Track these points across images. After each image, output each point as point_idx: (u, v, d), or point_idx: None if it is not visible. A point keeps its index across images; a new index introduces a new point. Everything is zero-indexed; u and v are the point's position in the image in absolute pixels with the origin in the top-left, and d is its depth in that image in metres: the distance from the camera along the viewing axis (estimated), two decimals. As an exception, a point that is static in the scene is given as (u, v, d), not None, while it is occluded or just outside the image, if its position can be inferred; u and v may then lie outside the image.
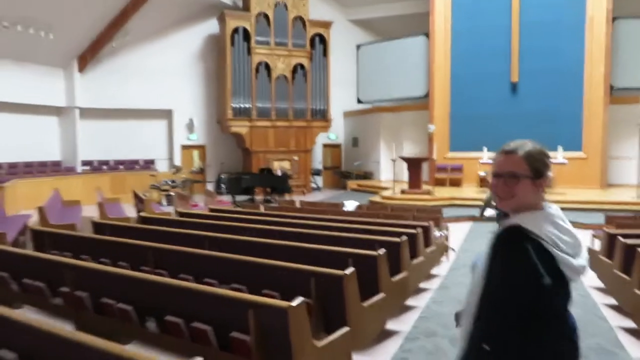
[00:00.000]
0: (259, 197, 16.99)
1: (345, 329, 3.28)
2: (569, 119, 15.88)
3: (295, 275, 3.83)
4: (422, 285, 6.33)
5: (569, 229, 1.68)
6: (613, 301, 5.62)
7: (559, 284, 1.61)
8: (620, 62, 15.78)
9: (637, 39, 15.76)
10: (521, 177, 1.73)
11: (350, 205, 9.38)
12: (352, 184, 19.49)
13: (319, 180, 21.46)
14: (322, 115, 19.86)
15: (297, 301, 2.82)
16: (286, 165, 19.23)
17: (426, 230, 6.51)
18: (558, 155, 14.48)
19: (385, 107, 19.75)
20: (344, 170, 21.46)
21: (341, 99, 20.81)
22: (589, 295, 6.01)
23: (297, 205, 10.25)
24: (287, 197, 16.94)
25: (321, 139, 21.38)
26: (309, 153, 19.92)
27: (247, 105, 18.59)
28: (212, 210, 9.05)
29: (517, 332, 1.58)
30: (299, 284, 3.77)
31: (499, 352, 1.59)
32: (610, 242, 5.81)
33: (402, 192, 14.53)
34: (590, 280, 6.56)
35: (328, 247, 4.71)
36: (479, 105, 16.87)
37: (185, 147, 19.68)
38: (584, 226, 10.86)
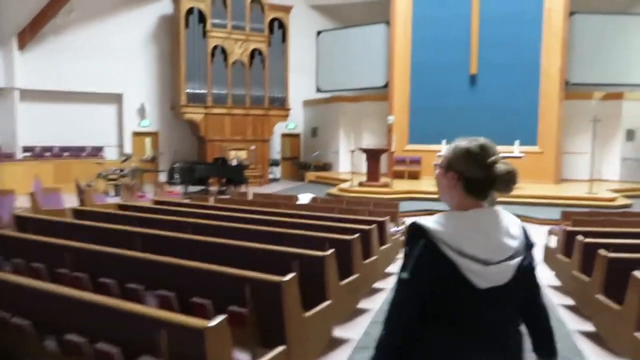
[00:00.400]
0: (213, 188, 16.36)
1: (281, 348, 2.89)
2: (526, 112, 15.95)
3: (230, 281, 3.38)
4: (376, 285, 5.99)
5: (489, 234, 1.59)
6: (571, 301, 5.44)
7: (452, 288, 1.58)
8: (576, 58, 15.94)
9: (593, 35, 15.96)
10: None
11: (304, 198, 8.97)
12: (310, 175, 19.09)
13: (277, 171, 20.95)
14: (281, 104, 19.32)
15: (217, 320, 2.44)
16: (243, 155, 18.60)
17: (381, 226, 6.17)
18: (514, 150, 14.50)
19: (346, 97, 19.39)
20: (303, 161, 21.02)
21: (301, 87, 20.31)
22: (545, 296, 5.81)
23: (250, 197, 9.76)
24: (243, 188, 16.38)
25: (280, 128, 20.84)
26: (266, 143, 19.36)
27: (202, 91, 17.84)
28: (156, 202, 8.45)
29: (386, 326, 1.64)
30: (233, 292, 3.32)
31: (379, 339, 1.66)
32: (568, 239, 5.63)
33: (360, 184, 14.24)
34: (547, 278, 6.41)
35: (272, 247, 4.28)
36: (439, 97, 16.74)
37: (136, 134, 18.74)
38: (539, 222, 10.85)
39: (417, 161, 16.96)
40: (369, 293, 5.59)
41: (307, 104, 21.25)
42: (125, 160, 15.79)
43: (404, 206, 12.09)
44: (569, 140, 16.53)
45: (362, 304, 5.16)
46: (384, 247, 6.00)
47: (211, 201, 9.05)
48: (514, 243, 1.61)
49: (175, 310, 3.26)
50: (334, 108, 19.70)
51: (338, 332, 4.42)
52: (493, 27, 16.09)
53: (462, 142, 1.67)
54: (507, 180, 1.60)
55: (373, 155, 14.00)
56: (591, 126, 16.39)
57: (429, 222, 1.62)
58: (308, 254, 4.06)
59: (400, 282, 1.63)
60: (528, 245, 1.69)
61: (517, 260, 1.60)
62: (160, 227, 5.61)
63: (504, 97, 16.07)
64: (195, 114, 17.87)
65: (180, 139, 19.35)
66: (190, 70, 17.50)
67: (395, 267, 6.85)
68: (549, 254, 6.29)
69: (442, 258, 1.56)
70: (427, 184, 15.09)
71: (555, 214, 11.25)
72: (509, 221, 1.66)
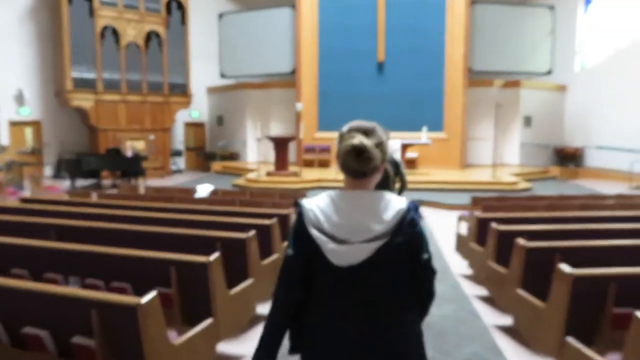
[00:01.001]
0: (107, 182, 14.83)
1: (209, 320, 3.06)
2: (432, 99, 16.06)
3: (154, 264, 3.32)
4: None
5: (352, 215, 1.64)
6: (485, 292, 5.12)
7: (317, 264, 1.67)
8: (478, 46, 16.29)
9: (493, 24, 16.39)
10: None
11: (203, 190, 8.08)
12: (216, 165, 18.02)
13: (181, 162, 19.61)
14: (182, 91, 17.99)
15: (148, 297, 2.42)
16: (141, 145, 17.12)
17: (284, 220, 5.49)
18: (422, 136, 14.50)
19: (252, 84, 18.49)
20: (209, 151, 19.85)
21: (204, 73, 19.08)
22: (459, 286, 5.48)
23: (142, 191, 8.68)
24: (140, 181, 15.00)
25: (182, 116, 19.49)
26: (167, 132, 17.97)
27: (91, 76, 16.09)
28: (24, 200, 7.16)
29: (274, 296, 1.77)
30: (157, 274, 3.28)
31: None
32: (481, 227, 5.30)
33: (268, 174, 13.51)
34: (459, 267, 6.11)
35: (145, 254, 3.44)
36: (348, 84, 16.40)
37: (14, 124, 16.54)
38: (448, 207, 10.77)
39: (326, 149, 16.53)
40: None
41: (212, 91, 20.06)
42: (-2, 153, 13.79)
43: (312, 194, 11.58)
44: (473, 127, 16.92)
45: (260, 310, 4.45)
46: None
47: (94, 197, 7.87)
48: (379, 227, 1.63)
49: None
50: (240, 95, 18.72)
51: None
52: (399, 14, 15.96)
53: (345, 126, 1.73)
54: (348, 153, 1.64)
55: (280, 144, 13.31)
56: (493, 113, 16.92)
57: (308, 200, 1.73)
58: (188, 260, 3.29)
59: (284, 257, 1.75)
60: (403, 232, 1.65)
61: (378, 243, 1.62)
62: (11, 231, 4.53)
63: (411, 84, 16.05)
64: (84, 100, 16.10)
65: (69, 128, 17.40)
66: (76, 53, 15.68)
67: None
68: (460, 242, 5.98)
69: (307, 234, 1.66)
70: (338, 172, 14.67)
71: (463, 199, 11.27)
72: (386, 206, 1.66)
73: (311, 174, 14.00)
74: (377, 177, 1.71)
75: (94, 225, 4.71)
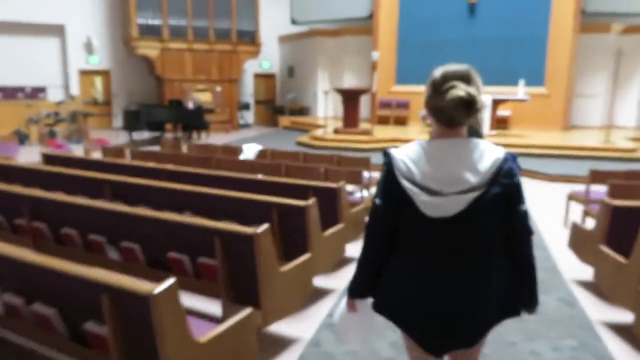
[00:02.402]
0: (170, 135, 14.18)
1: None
2: (533, 47, 13.62)
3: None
4: (324, 284, 4.07)
5: (446, 166, 1.57)
6: (627, 340, 3.49)
7: (407, 214, 1.62)
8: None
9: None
10: None
11: (249, 150, 6.88)
12: (284, 120, 16.87)
13: (249, 116, 18.70)
14: (251, 39, 16.79)
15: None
16: (207, 97, 16.30)
17: (329, 198, 4.15)
18: (519, 91, 12.32)
19: (325, 31, 16.86)
20: (279, 105, 18.72)
21: (275, 20, 17.72)
22: (576, 304, 3.87)
23: (185, 149, 7.64)
24: (204, 134, 14.22)
25: (252, 67, 18.42)
26: (234, 83, 16.97)
27: (157, 22, 15.28)
28: (46, 158, 6.34)
29: (364, 244, 1.78)
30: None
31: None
32: (618, 222, 3.63)
33: (336, 131, 12.11)
34: (571, 268, 4.45)
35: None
36: (432, 30, 14.33)
37: (84, 73, 16.27)
38: (549, 178, 8.86)
39: (404, 105, 14.76)
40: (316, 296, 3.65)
41: (283, 39, 18.70)
42: (59, 104, 13.46)
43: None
44: (580, 81, 14.32)
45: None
46: (332, 229, 4.00)
47: (127, 155, 6.94)
48: (474, 178, 1.56)
49: (140, 263, 3.23)
50: (311, 44, 17.20)
51: None
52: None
53: (437, 71, 1.63)
54: (456, 106, 1.54)
55: (350, 97, 11.78)
56: (607, 64, 14.22)
57: (398, 149, 1.66)
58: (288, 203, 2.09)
59: (372, 206, 1.72)
60: (500, 182, 1.57)
61: (473, 194, 1.55)
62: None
63: (508, 28, 13.68)
64: (150, 48, 15.38)
65: (137, 78, 16.92)
66: (141, -3, 14.87)
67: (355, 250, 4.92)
68: (578, 237, 4.30)
69: (397, 184, 1.61)
70: (415, 130, 12.99)
71: (567, 168, 9.28)
72: (482, 155, 1.58)
73: (385, 132, 12.42)
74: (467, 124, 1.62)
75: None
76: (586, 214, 5.22)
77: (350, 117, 11.80)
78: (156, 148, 8.90)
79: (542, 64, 13.63)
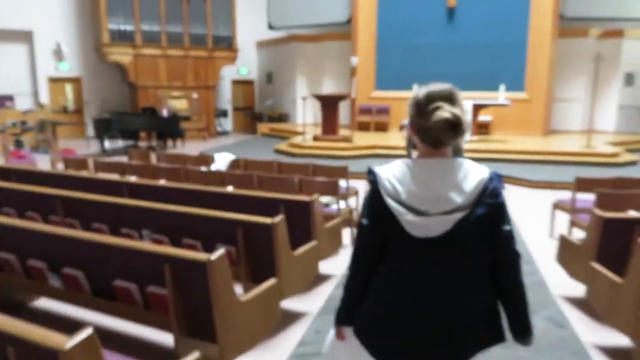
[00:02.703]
0: (144, 144, 13.72)
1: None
2: (513, 52, 13.51)
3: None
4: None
5: (431, 186, 1.55)
6: (620, 350, 3.22)
7: (394, 234, 1.60)
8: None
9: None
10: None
11: (221, 160, 6.52)
12: (263, 127, 16.51)
13: (228, 123, 18.29)
14: (228, 44, 16.43)
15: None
16: (183, 104, 15.88)
17: (305, 213, 3.83)
18: (499, 96, 12.18)
19: (304, 36, 16.59)
20: (257, 112, 18.36)
21: (253, 25, 17.37)
22: (568, 325, 3.59)
23: (153, 160, 7.24)
24: (180, 143, 13.81)
25: (230, 73, 18.04)
26: (211, 90, 16.58)
27: (129, 28, 14.83)
28: (1, 171, 5.90)
29: (351, 266, 1.74)
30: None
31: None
32: (610, 236, 3.37)
33: (315, 138, 11.80)
34: (558, 283, 4.18)
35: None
36: (411, 34, 14.13)
37: (54, 80, 15.71)
38: (531, 184, 8.66)
39: (385, 110, 14.52)
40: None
41: (262, 45, 18.37)
42: (27, 112, 12.92)
43: (365, 164, 9.78)
44: (560, 86, 14.28)
45: None
46: (304, 247, 3.66)
47: (91, 167, 6.51)
48: (459, 198, 1.55)
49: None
50: (290, 49, 16.91)
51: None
52: (476, -52, 13.40)
53: (421, 91, 1.62)
54: (441, 128, 1.52)
55: (329, 104, 11.49)
56: (586, 69, 14.22)
57: (382, 168, 1.65)
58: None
59: (360, 227, 1.69)
60: (485, 202, 1.55)
61: (458, 215, 1.54)
62: None
63: (487, 33, 13.56)
64: (122, 55, 14.92)
65: (110, 86, 16.41)
66: (112, 1, 14.41)
67: (332, 265, 4.58)
68: (567, 251, 4.04)
69: (383, 204, 1.59)
70: (396, 137, 12.75)
71: (549, 173, 9.11)
72: (467, 175, 1.57)
73: (366, 139, 12.14)
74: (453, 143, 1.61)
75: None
76: (573, 224, 4.99)
77: (329, 124, 11.50)
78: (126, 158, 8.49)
79: (522, 69, 13.53)
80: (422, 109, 1.56)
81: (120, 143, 13.57)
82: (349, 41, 14.91)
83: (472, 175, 1.57)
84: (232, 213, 3.47)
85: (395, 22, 14.24)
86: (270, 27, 16.57)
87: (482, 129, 13.17)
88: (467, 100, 10.32)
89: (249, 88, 19.15)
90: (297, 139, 12.20)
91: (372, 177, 1.64)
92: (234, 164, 6.57)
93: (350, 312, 1.73)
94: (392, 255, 1.64)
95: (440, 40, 13.93)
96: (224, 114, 17.59)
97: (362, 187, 8.72)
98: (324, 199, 5.22)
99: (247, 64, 18.47)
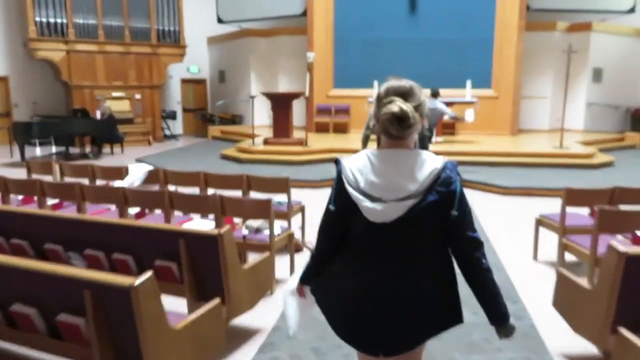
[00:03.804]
0: (77, 150, 12.25)
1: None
2: (478, 47, 12.71)
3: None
4: None
5: (387, 174, 1.65)
6: None
7: (354, 218, 1.70)
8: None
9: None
10: None
11: (135, 173, 5.29)
12: (214, 130, 15.23)
13: (177, 126, 16.91)
14: (174, 40, 15.08)
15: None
16: (125, 105, 14.45)
17: (210, 252, 2.71)
18: (466, 93, 11.31)
19: (257, 31, 15.39)
20: (209, 113, 17.05)
21: (203, 19, 16.06)
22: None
23: (57, 170, 5.93)
24: (119, 148, 12.42)
25: (179, 71, 16.69)
26: (157, 90, 15.19)
27: (60, 21, 13.32)
28: None
29: (317, 240, 1.87)
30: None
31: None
32: (637, 281, 2.36)
33: (265, 142, 10.64)
34: (554, 329, 3.16)
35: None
36: (370, 29, 13.16)
37: (-24, 80, 14.03)
38: (502, 191, 7.74)
39: (344, 110, 13.49)
40: None
41: (213, 41, 17.06)
42: None
43: (321, 171, 8.69)
44: (526, 82, 13.55)
45: None
46: (203, 308, 2.55)
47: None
48: (412, 186, 1.64)
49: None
50: (243, 45, 15.67)
51: None
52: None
53: (383, 85, 1.72)
54: (389, 120, 1.62)
55: (281, 103, 10.36)
56: (553, 64, 13.57)
57: (348, 158, 1.77)
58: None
59: (325, 211, 1.81)
60: (436, 190, 1.64)
61: (410, 202, 1.63)
62: None
63: (451, 27, 12.71)
64: (53, 51, 13.40)
65: (41, 85, 14.78)
66: (39, -9, 12.90)
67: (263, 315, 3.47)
68: (570, 296, 2.98)
69: (345, 191, 1.70)
70: (357, 139, 11.68)
71: (522, 177, 8.22)
72: (422, 165, 1.66)
73: (323, 142, 11.06)
74: (415, 136, 1.71)
75: None
76: (565, 247, 4.00)
77: (281, 126, 10.36)
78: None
79: (488, 65, 12.74)
80: (379, 101, 1.67)
81: (54, 149, 12.12)
82: (304, 36, 13.81)
83: (426, 165, 1.65)
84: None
85: (354, 15, 13.24)
86: (220, 20, 15.32)
87: (448, 129, 12.30)
88: (432, 100, 9.40)
89: (201, 88, 17.81)
90: (246, 143, 11.01)
91: (338, 167, 1.76)
92: (153, 176, 5.35)
93: (312, 276, 1.93)
94: (352, 239, 1.76)
95: (402, 34, 13.00)
96: (171, 116, 16.19)
97: (314, 197, 7.57)
98: (255, 222, 4.09)
99: (198, 61, 17.15)
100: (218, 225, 4.00)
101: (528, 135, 12.88)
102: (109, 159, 11.47)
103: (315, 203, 7.15)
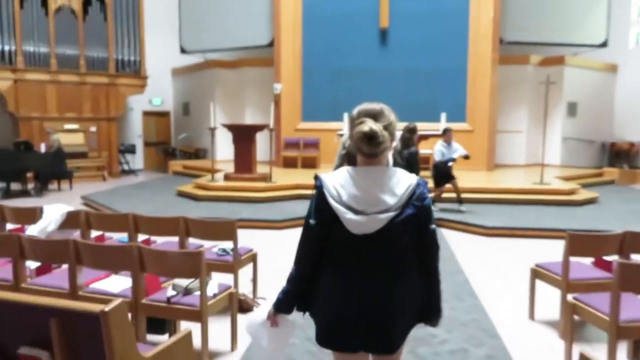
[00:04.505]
0: (18, 187, 11.13)
1: None
2: (452, 79, 12.27)
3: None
4: None
5: (368, 189, 1.75)
6: None
7: (335, 231, 1.78)
8: (511, 8, 12.47)
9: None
10: None
11: (51, 215, 4.37)
12: (175, 165, 14.29)
13: (138, 160, 15.92)
14: (134, 70, 14.28)
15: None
16: (79, 138, 13.45)
17: (90, 337, 1.82)
18: (441, 127, 10.72)
19: (223, 62, 14.74)
20: (169, 147, 16.14)
21: (167, 50, 15.33)
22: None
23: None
24: (67, 185, 11.36)
25: (141, 103, 15.85)
26: (114, 122, 14.26)
27: (8, 48, 12.40)
28: None
29: (296, 262, 1.92)
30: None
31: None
32: None
33: (226, 177, 9.78)
34: None
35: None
36: (340, 60, 12.63)
37: None
38: (484, 231, 7.02)
39: (314, 144, 12.78)
40: None
41: (177, 72, 16.33)
42: None
43: (286, 210, 7.85)
44: (501, 116, 13.13)
45: None
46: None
47: None
48: (391, 200, 1.75)
49: None
50: (208, 76, 14.96)
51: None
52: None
53: (356, 109, 1.86)
54: (360, 139, 1.75)
55: (243, 135, 9.58)
56: (527, 98, 13.26)
57: (327, 175, 1.85)
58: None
59: (306, 226, 1.86)
60: (413, 204, 1.77)
61: (390, 214, 1.74)
62: None
63: (423, 58, 12.27)
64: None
65: (-13, 117, 13.71)
66: (-15, 16, 12.02)
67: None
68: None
69: (328, 204, 1.78)
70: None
71: (503, 216, 7.53)
72: (399, 181, 1.79)
73: (290, 177, 10.25)
74: (387, 154, 1.82)
75: None
76: (574, 309, 3.21)
77: (243, 160, 9.55)
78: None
79: (462, 97, 12.29)
80: (352, 123, 1.82)
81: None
82: (272, 67, 13.20)
83: (403, 180, 1.79)
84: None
85: (323, 46, 12.71)
86: (183, 51, 14.61)
87: (422, 163, 11.66)
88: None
89: (164, 120, 16.94)
90: (205, 179, 10.12)
91: (318, 183, 1.82)
92: (72, 219, 4.43)
93: (291, 303, 1.92)
94: (334, 251, 1.83)
95: (373, 65, 12.49)
96: (130, 149, 15.21)
97: (273, 240, 6.68)
98: (184, 281, 3.20)
99: (161, 93, 16.36)
100: (136, 285, 3.10)
101: (504, 170, 12.36)
102: (54, 196, 10.41)
103: (273, 247, 6.32)
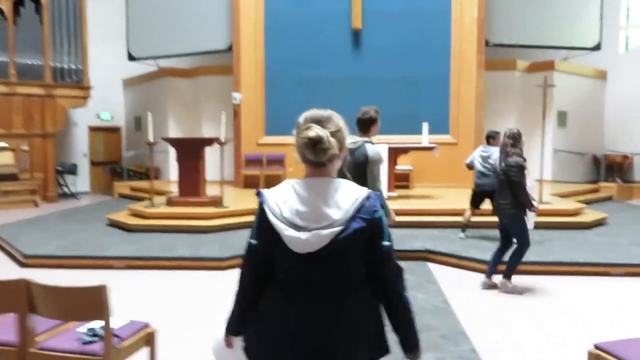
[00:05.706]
0: None
1: None
2: (433, 87, 10.95)
3: None
4: None
5: (310, 202, 1.61)
6: None
7: (278, 249, 1.64)
8: (496, 7, 11.28)
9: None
10: None
11: None
12: (121, 187, 12.56)
13: (83, 182, 14.11)
14: (76, 80, 12.59)
15: None
16: (7, 158, 11.63)
17: None
18: (423, 138, 9.35)
19: (177, 70, 13.18)
20: (118, 167, 14.40)
21: (116, 59, 13.67)
22: None
23: None
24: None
25: (87, 118, 14.13)
26: (51, 139, 12.47)
27: None
28: None
29: (240, 282, 1.79)
30: None
31: None
32: None
33: (169, 202, 8.15)
34: None
35: None
36: (308, 66, 11.19)
37: None
38: (473, 266, 5.55)
39: (278, 160, 11.25)
40: None
41: (129, 83, 14.67)
42: None
43: (236, 243, 6.21)
44: (487, 127, 11.79)
45: None
46: None
47: None
48: (337, 214, 1.61)
49: None
50: (161, 86, 13.35)
51: None
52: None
53: (302, 115, 1.73)
54: (305, 145, 1.62)
55: (188, 151, 8.00)
56: (514, 106, 12.05)
57: (271, 190, 1.70)
58: None
59: (247, 246, 1.74)
60: (361, 218, 1.61)
61: (334, 230, 1.59)
62: None
63: (401, 63, 10.91)
64: None
65: None
66: None
67: None
68: None
69: (268, 222, 1.63)
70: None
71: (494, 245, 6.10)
72: (345, 193, 1.64)
73: (249, 201, 8.63)
74: (337, 164, 1.70)
75: None
76: None
77: (188, 181, 7.95)
78: None
79: (445, 106, 10.98)
80: (298, 129, 1.66)
81: None
82: (231, 75, 11.68)
83: (350, 193, 1.64)
84: None
85: (288, 51, 11.26)
86: (131, 57, 12.98)
87: (401, 181, 10.27)
88: (383, 144, 7.39)
89: (115, 137, 15.20)
90: (142, 204, 8.48)
91: (260, 199, 1.69)
92: None
93: (239, 323, 1.80)
94: (277, 273, 1.68)
95: (345, 72, 11.09)
96: (71, 170, 13.39)
97: (212, 285, 4.99)
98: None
99: (111, 106, 14.66)
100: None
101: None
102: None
103: (206, 297, 4.72)
